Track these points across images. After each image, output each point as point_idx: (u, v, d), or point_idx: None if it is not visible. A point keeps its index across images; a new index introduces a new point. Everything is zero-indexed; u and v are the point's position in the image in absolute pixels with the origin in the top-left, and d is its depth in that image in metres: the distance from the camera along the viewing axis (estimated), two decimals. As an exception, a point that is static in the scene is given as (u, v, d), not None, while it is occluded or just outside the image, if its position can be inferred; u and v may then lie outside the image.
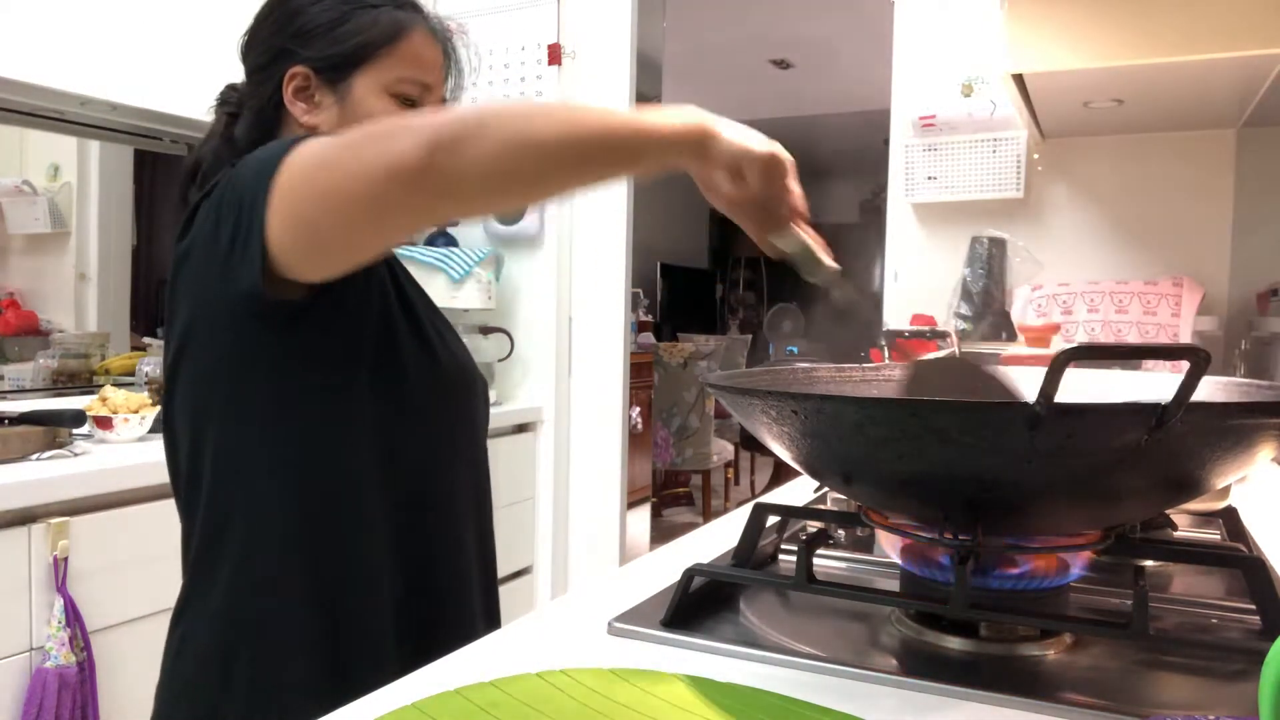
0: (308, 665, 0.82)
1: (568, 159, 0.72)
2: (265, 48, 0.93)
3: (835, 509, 0.86)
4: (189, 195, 0.90)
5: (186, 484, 0.87)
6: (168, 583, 0.99)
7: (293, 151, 0.75)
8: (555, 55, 2.58)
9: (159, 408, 1.89)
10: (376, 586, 0.86)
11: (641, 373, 4.36)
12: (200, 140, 0.97)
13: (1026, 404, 0.54)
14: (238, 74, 0.95)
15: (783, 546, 0.90)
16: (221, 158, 0.91)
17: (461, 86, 1.01)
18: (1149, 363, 1.41)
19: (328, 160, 0.73)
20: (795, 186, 0.77)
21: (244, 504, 0.83)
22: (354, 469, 0.85)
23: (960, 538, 0.65)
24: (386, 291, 0.90)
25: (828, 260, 0.80)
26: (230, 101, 0.96)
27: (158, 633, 0.87)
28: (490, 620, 1.00)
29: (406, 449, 0.89)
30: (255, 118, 0.93)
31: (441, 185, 0.70)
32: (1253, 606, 0.67)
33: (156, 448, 1.70)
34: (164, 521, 1.60)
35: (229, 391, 0.83)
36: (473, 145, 0.69)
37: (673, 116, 0.73)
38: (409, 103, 0.92)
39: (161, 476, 1.59)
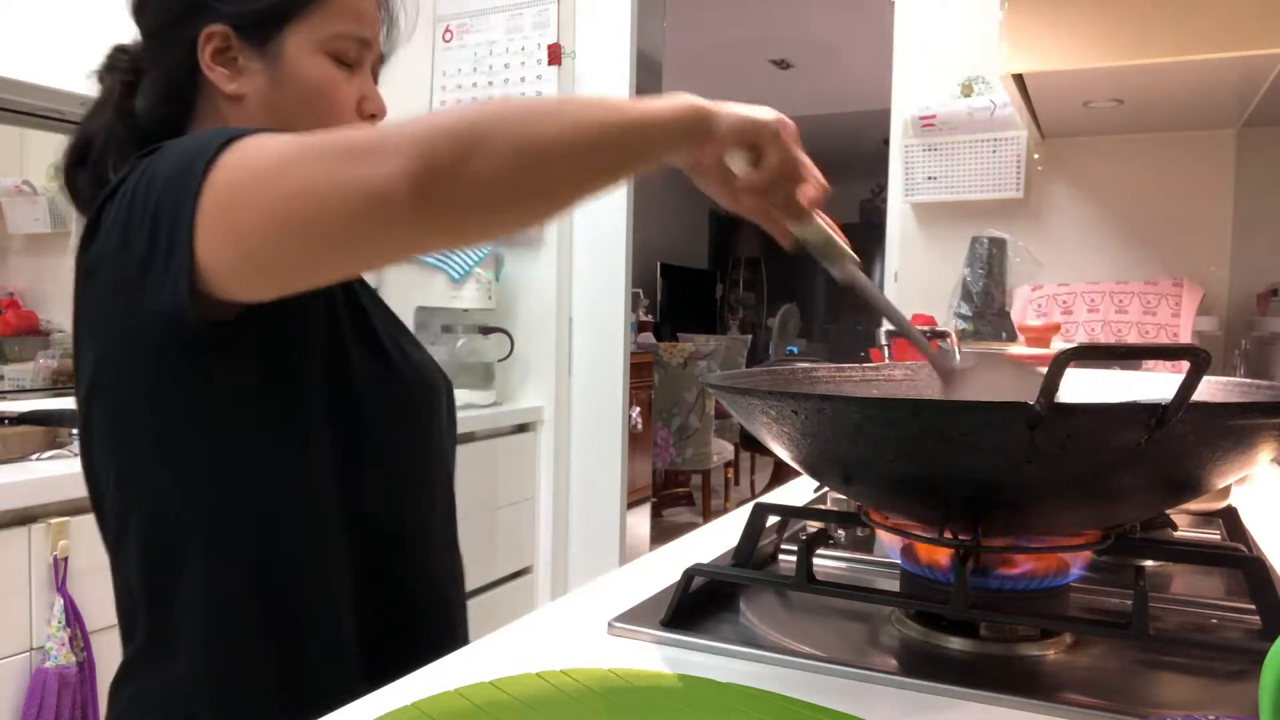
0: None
1: (581, 163, 0.62)
2: (169, 3, 0.78)
3: (835, 509, 0.86)
4: (76, 181, 0.79)
5: (115, 542, 0.75)
6: (168, 583, 0.98)
7: (232, 148, 0.63)
8: (555, 55, 2.58)
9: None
10: (338, 634, 0.77)
11: (641, 373, 4.36)
12: (85, 114, 0.81)
13: (1026, 404, 0.54)
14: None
15: (783, 546, 0.90)
16: (118, 136, 0.78)
17: (394, 43, 0.87)
18: (1149, 363, 1.41)
19: (285, 170, 0.61)
20: (806, 159, 0.70)
21: (187, 566, 0.72)
22: (311, 513, 0.75)
23: (960, 538, 0.65)
24: (335, 298, 0.77)
25: (849, 250, 0.74)
26: (121, 67, 0.81)
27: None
28: (458, 638, 0.89)
29: (369, 483, 0.79)
30: (166, 88, 0.78)
31: (436, 216, 0.59)
32: (1253, 606, 0.67)
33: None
34: (164, 521, 1.60)
35: (155, 435, 0.70)
36: (473, 163, 0.58)
37: (668, 101, 0.66)
38: (346, 64, 0.80)
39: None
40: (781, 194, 0.69)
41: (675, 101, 0.66)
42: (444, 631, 0.86)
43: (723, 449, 5.00)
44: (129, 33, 0.83)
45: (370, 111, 0.82)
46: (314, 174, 0.60)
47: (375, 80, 0.85)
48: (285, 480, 0.74)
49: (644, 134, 0.65)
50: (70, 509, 1.46)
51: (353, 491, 0.77)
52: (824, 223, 0.73)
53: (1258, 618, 0.67)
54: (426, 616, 0.85)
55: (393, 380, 0.81)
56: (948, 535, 0.67)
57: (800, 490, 1.27)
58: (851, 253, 0.74)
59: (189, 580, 0.72)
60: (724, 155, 0.69)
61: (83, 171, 0.79)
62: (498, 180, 0.59)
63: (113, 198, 0.69)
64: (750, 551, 0.80)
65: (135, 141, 0.77)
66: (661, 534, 4.31)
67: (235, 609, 0.73)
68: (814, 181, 0.70)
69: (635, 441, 3.44)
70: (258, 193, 0.61)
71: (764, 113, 0.68)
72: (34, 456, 1.54)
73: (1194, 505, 1.00)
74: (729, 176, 0.71)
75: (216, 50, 0.77)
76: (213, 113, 0.79)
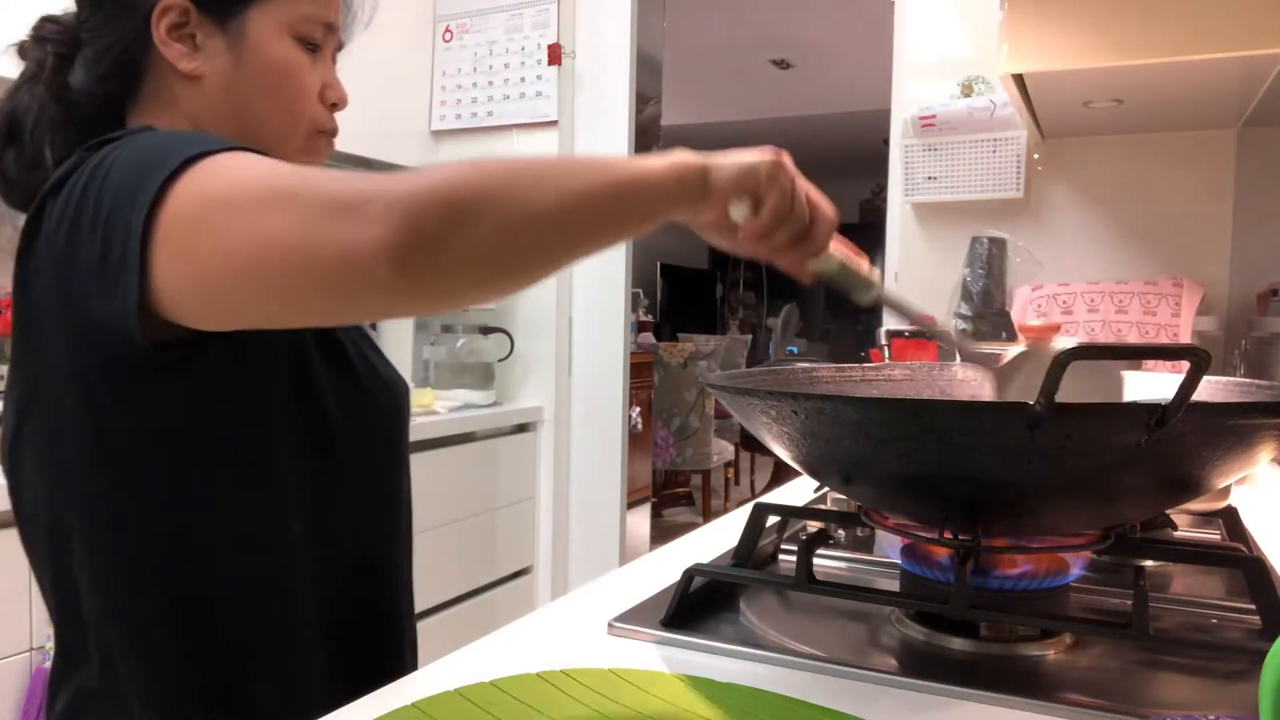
0: None
1: (574, 231, 0.59)
2: None
3: (835, 509, 0.86)
4: (3, 161, 0.73)
5: (53, 582, 0.68)
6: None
7: (199, 167, 0.58)
8: (555, 55, 2.58)
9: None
10: (302, 665, 0.72)
11: (641, 373, 4.36)
12: (9, 90, 0.74)
13: (1026, 404, 0.54)
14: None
15: (783, 546, 0.90)
16: (51, 114, 0.72)
17: (351, 33, 0.84)
18: (1149, 363, 1.41)
19: (253, 211, 0.55)
20: (807, 191, 0.68)
21: (137, 602, 0.66)
22: (275, 543, 0.70)
23: (960, 538, 0.65)
24: None
25: (871, 275, 0.72)
26: (52, 38, 0.73)
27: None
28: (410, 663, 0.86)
29: (338, 508, 0.75)
30: (110, 64, 0.72)
31: (416, 286, 0.53)
32: (1253, 606, 0.67)
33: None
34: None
35: (99, 460, 0.64)
36: (463, 234, 0.53)
37: (663, 160, 0.63)
38: (312, 47, 0.76)
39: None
40: (785, 235, 0.67)
41: (670, 160, 0.64)
42: (404, 659, 0.83)
43: (723, 449, 5.00)
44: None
45: (332, 100, 0.78)
46: (284, 225, 0.54)
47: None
48: (248, 510, 0.68)
49: (640, 197, 0.62)
50: (70, 509, 1.46)
51: (320, 516, 0.73)
52: (838, 252, 0.70)
53: (1258, 618, 0.67)
54: (387, 641, 0.82)
55: (365, 402, 0.77)
56: (948, 535, 0.67)
57: (800, 490, 1.27)
58: (871, 276, 0.71)
59: (140, 617, 0.66)
60: (727, 209, 0.66)
61: (10, 149, 0.73)
62: (487, 252, 0.55)
63: (56, 194, 0.63)
64: (750, 551, 0.80)
65: (74, 121, 0.72)
66: (661, 534, 4.31)
67: (192, 645, 0.67)
68: (819, 214, 0.68)
69: (635, 441, 3.44)
70: (221, 229, 0.56)
71: (756, 155, 0.65)
72: (34, 456, 1.54)
73: (1194, 505, 1.01)
74: (733, 225, 0.68)
75: (173, 25, 0.71)
76: (164, 92, 0.73)
